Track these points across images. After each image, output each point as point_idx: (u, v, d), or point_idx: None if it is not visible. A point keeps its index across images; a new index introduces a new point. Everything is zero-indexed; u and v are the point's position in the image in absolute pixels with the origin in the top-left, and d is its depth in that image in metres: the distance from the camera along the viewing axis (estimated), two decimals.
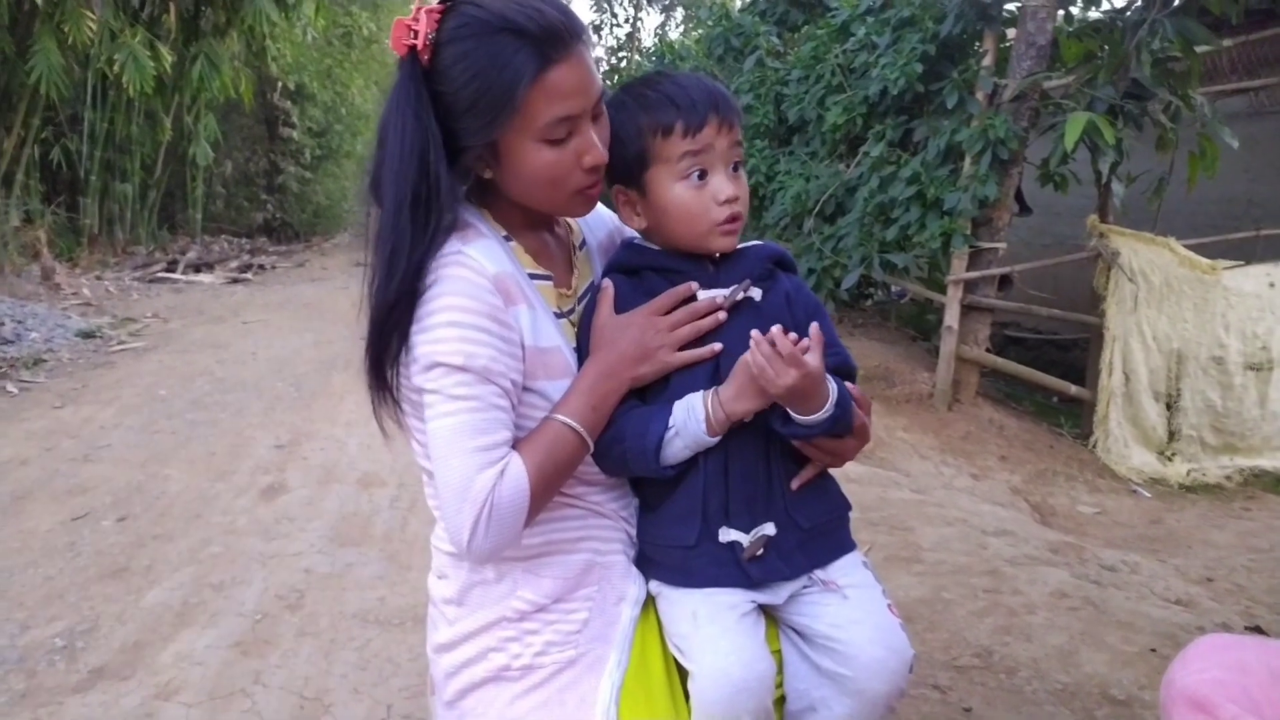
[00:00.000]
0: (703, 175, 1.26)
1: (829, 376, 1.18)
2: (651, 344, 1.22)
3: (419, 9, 1.16)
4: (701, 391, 1.21)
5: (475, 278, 1.15)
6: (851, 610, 1.24)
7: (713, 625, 1.18)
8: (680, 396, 1.23)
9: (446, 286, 1.14)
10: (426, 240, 1.16)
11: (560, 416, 1.17)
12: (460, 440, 1.12)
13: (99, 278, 9.47)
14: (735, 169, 1.28)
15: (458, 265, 1.16)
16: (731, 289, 1.26)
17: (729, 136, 1.26)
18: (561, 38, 1.13)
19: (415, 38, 1.15)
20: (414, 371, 1.16)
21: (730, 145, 1.26)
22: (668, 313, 1.25)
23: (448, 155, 1.18)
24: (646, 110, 1.26)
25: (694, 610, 1.21)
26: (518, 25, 1.12)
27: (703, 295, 1.27)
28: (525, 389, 1.20)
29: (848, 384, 1.25)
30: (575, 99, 1.15)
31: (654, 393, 1.26)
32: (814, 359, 1.13)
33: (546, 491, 1.16)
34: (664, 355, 1.22)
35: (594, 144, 1.19)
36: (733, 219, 1.27)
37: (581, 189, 1.22)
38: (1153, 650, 2.64)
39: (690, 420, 1.19)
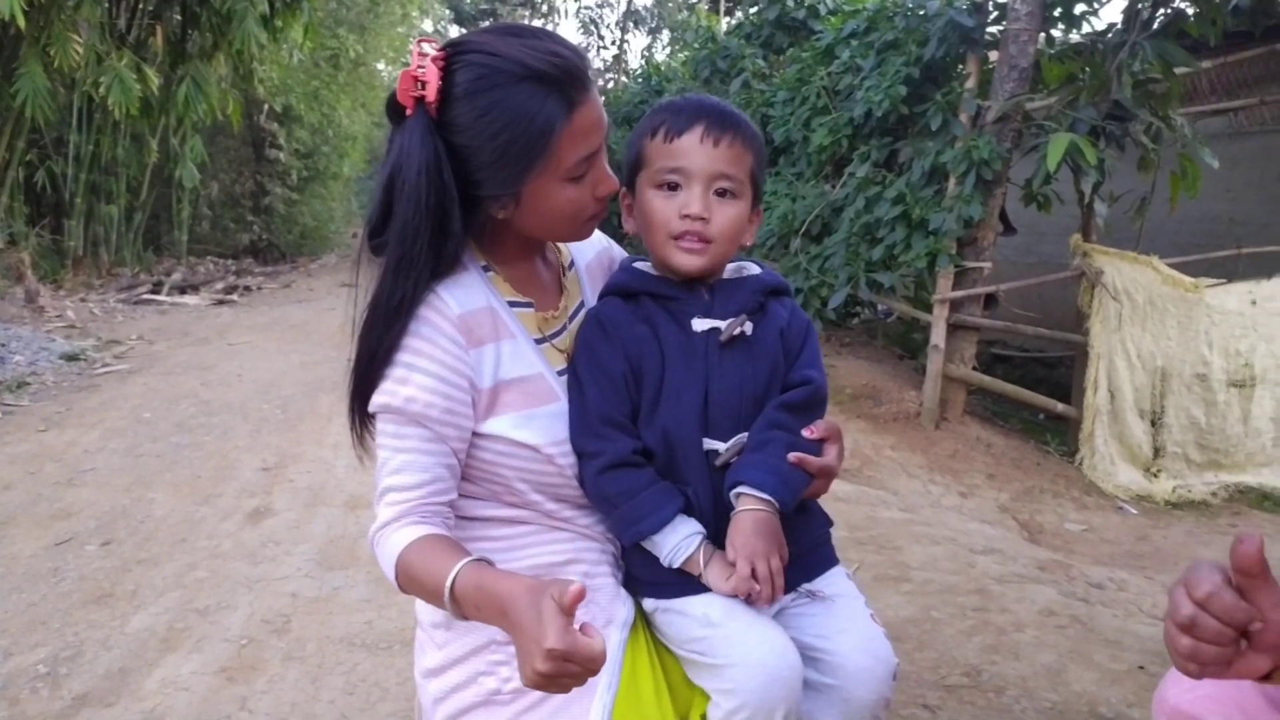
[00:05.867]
0: (674, 187, 1.25)
1: (769, 492, 1.19)
2: (525, 671, 0.95)
3: (419, 54, 1.13)
4: (702, 543, 1.21)
5: (438, 319, 1.18)
6: (837, 619, 1.25)
7: (734, 621, 1.18)
8: (668, 429, 1.24)
9: (410, 327, 1.17)
10: (422, 285, 1.19)
11: (457, 569, 1.05)
12: (381, 473, 1.19)
13: (83, 300, 9.42)
14: (722, 194, 1.26)
15: (426, 305, 1.18)
16: (728, 323, 1.26)
17: (715, 155, 1.24)
18: (580, 79, 1.15)
19: (424, 89, 1.11)
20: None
21: (716, 165, 1.24)
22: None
23: (463, 205, 1.17)
24: (650, 115, 1.31)
25: (705, 612, 1.20)
26: (540, 72, 1.11)
27: (697, 324, 1.27)
28: (480, 433, 1.21)
29: (813, 430, 1.26)
30: (595, 135, 1.18)
31: (644, 416, 1.25)
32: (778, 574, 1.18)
33: (413, 584, 1.13)
34: (523, 679, 0.96)
35: (608, 175, 1.23)
36: (690, 236, 1.25)
37: (592, 217, 1.25)
38: (1141, 668, 2.64)
39: (675, 551, 1.20)
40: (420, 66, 1.12)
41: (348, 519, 3.81)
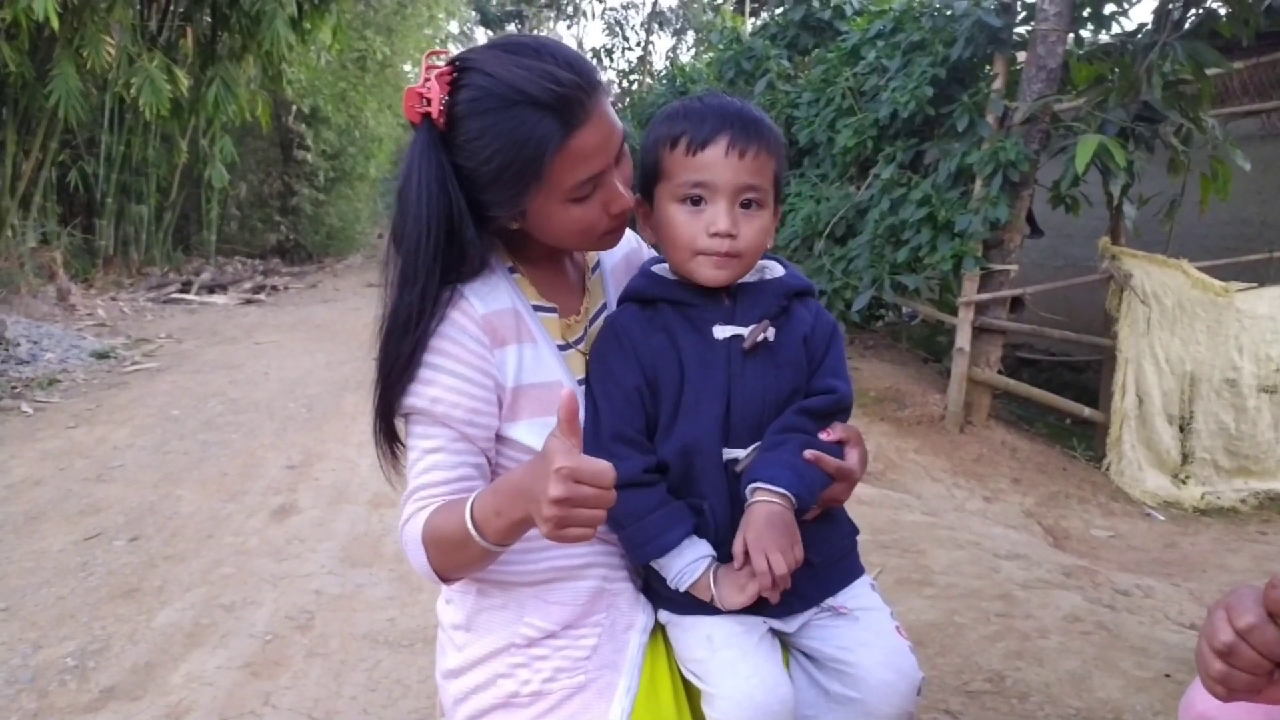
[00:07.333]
0: (698, 201, 1.20)
1: (784, 486, 1.15)
2: (543, 512, 0.97)
3: (428, 67, 1.15)
4: (710, 567, 1.17)
5: (463, 320, 1.19)
6: (861, 632, 1.23)
7: (730, 649, 1.17)
8: (687, 442, 1.20)
9: (437, 328, 1.18)
10: (429, 297, 1.19)
11: (471, 499, 1.09)
12: (411, 474, 1.20)
13: (114, 299, 9.54)
14: (747, 205, 1.20)
15: (451, 306, 1.19)
16: (750, 330, 1.22)
17: (741, 167, 1.18)
18: (579, 101, 1.12)
19: (429, 105, 1.13)
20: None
21: (742, 177, 1.18)
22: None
23: (474, 217, 1.18)
24: (666, 121, 1.24)
25: (709, 634, 1.19)
26: (533, 97, 1.10)
27: (718, 332, 1.22)
28: (501, 436, 1.22)
29: (830, 432, 1.23)
30: (598, 158, 1.15)
31: (662, 429, 1.22)
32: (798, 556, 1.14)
33: (442, 552, 1.12)
34: (543, 527, 0.98)
35: (619, 193, 1.20)
36: (721, 254, 1.20)
37: (609, 232, 1.24)
38: (1167, 676, 2.61)
39: (680, 575, 1.18)
40: (426, 81, 1.14)
41: (371, 517, 3.84)
